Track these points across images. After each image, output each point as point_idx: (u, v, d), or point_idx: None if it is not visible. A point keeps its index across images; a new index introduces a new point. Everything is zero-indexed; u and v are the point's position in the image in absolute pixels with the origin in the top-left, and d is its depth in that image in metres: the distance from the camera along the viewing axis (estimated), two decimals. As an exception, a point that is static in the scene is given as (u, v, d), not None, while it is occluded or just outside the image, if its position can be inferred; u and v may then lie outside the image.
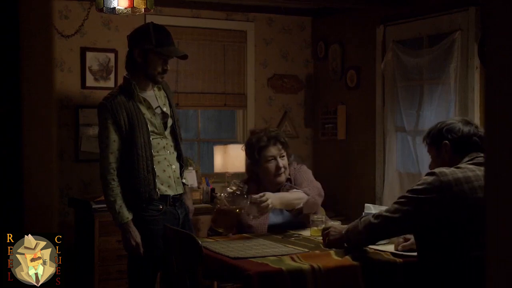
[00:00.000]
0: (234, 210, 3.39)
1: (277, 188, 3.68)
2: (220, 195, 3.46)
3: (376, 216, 2.82)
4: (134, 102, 3.47)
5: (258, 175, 3.74)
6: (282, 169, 3.66)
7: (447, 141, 2.85)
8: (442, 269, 2.71)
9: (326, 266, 2.79)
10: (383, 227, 2.81)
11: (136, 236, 3.42)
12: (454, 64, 4.63)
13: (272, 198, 3.40)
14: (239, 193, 3.39)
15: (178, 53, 3.59)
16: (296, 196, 3.56)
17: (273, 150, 3.66)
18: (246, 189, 3.42)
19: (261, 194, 3.41)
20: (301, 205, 3.55)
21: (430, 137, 2.93)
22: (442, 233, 2.69)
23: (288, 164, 3.73)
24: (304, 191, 3.59)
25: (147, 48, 3.45)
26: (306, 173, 3.78)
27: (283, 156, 3.68)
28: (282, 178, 3.68)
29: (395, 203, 2.80)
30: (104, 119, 3.43)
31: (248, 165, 3.85)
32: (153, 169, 3.46)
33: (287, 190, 3.64)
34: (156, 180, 3.47)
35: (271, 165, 3.66)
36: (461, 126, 2.86)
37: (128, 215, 3.42)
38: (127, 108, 3.44)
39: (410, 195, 2.75)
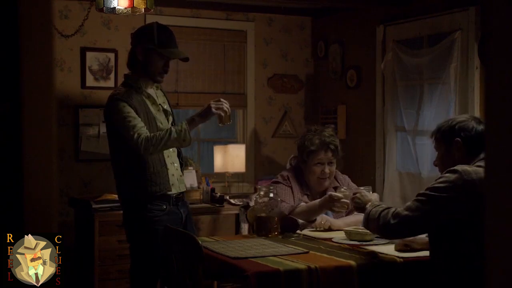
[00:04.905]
0: (271, 217, 3.47)
1: (322, 190, 3.73)
2: (255, 206, 3.53)
3: (395, 215, 2.72)
4: (141, 97, 3.48)
5: (302, 170, 3.80)
6: (327, 175, 3.72)
7: (459, 139, 2.76)
8: (460, 269, 2.65)
9: (323, 267, 2.79)
10: (401, 227, 2.74)
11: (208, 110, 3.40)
12: (454, 64, 4.62)
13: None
14: (272, 196, 3.49)
15: (179, 55, 3.60)
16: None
17: (322, 156, 3.72)
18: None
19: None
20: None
21: (441, 133, 2.83)
22: (464, 233, 2.63)
23: None
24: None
25: (149, 47, 3.46)
26: (356, 188, 3.85)
27: (331, 163, 3.75)
28: (326, 183, 3.77)
29: (415, 200, 2.71)
30: (127, 113, 3.37)
31: (297, 161, 3.93)
32: (165, 163, 3.47)
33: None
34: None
35: (317, 169, 3.72)
36: (475, 124, 2.77)
37: (180, 125, 3.36)
38: (139, 103, 3.45)
39: (430, 193, 2.66)
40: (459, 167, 2.65)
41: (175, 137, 3.32)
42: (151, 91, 3.58)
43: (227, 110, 3.39)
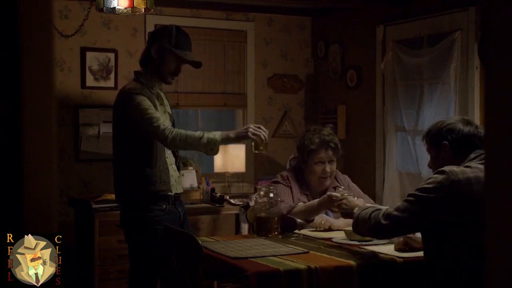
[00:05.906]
0: (272, 217, 3.48)
1: (323, 190, 3.73)
2: (255, 206, 3.53)
3: (386, 216, 2.75)
4: (153, 96, 3.49)
5: (303, 171, 3.80)
6: (328, 174, 3.72)
7: (446, 142, 2.80)
8: (449, 270, 2.67)
9: (323, 267, 2.79)
10: (392, 228, 2.76)
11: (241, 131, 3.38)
12: (454, 64, 4.62)
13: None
14: (272, 196, 3.50)
15: (192, 58, 3.61)
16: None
17: (323, 155, 3.71)
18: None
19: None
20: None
21: (430, 137, 2.89)
22: (450, 234, 2.65)
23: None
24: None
25: (165, 46, 3.47)
26: (356, 188, 3.88)
27: (332, 161, 3.74)
28: (327, 182, 3.76)
29: (405, 201, 2.75)
30: (148, 106, 3.38)
31: (297, 161, 3.92)
32: (166, 164, 3.49)
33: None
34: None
35: (318, 168, 3.71)
36: (462, 126, 2.80)
37: (214, 134, 3.33)
38: (152, 100, 3.47)
39: (419, 193, 2.69)
40: (446, 168, 2.68)
41: (205, 143, 3.31)
42: (159, 92, 3.60)
43: (264, 138, 3.36)
